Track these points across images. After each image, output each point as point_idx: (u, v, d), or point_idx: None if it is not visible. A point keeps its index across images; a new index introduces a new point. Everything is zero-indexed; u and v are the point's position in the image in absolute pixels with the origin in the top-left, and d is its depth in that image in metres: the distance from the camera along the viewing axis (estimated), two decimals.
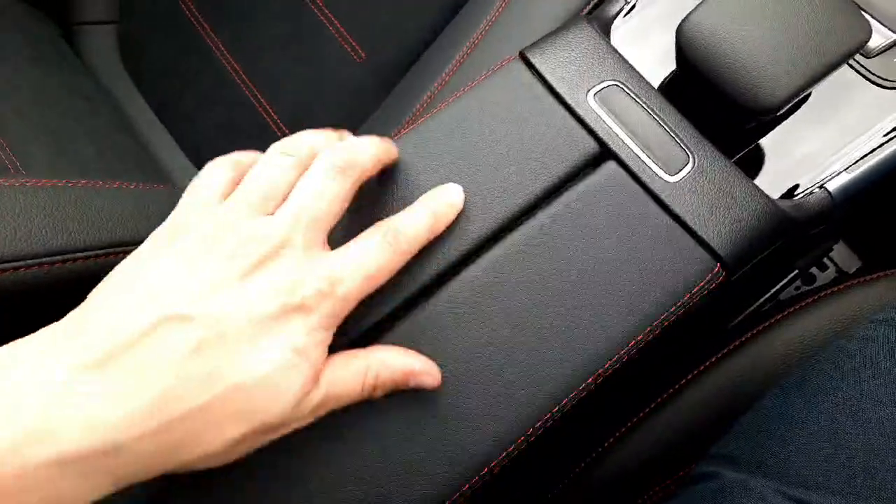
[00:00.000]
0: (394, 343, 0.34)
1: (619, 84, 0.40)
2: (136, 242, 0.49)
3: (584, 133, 0.38)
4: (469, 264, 0.36)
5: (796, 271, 0.73)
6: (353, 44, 0.69)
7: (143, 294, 0.28)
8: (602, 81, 0.40)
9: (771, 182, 0.44)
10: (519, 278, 0.36)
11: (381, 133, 0.61)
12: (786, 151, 0.45)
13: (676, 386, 0.48)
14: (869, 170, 0.44)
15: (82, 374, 0.26)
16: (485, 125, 0.39)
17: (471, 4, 0.64)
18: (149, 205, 0.53)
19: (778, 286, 0.74)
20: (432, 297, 0.36)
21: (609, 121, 0.38)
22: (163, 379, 0.27)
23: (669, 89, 0.45)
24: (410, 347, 0.34)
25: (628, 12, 0.47)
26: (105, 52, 0.80)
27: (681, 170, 0.38)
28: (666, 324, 0.36)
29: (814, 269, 0.76)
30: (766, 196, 0.39)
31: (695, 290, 0.36)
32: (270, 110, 0.72)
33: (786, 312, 0.49)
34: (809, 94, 0.45)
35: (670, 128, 0.39)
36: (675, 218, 0.36)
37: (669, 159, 0.38)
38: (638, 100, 0.39)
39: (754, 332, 0.48)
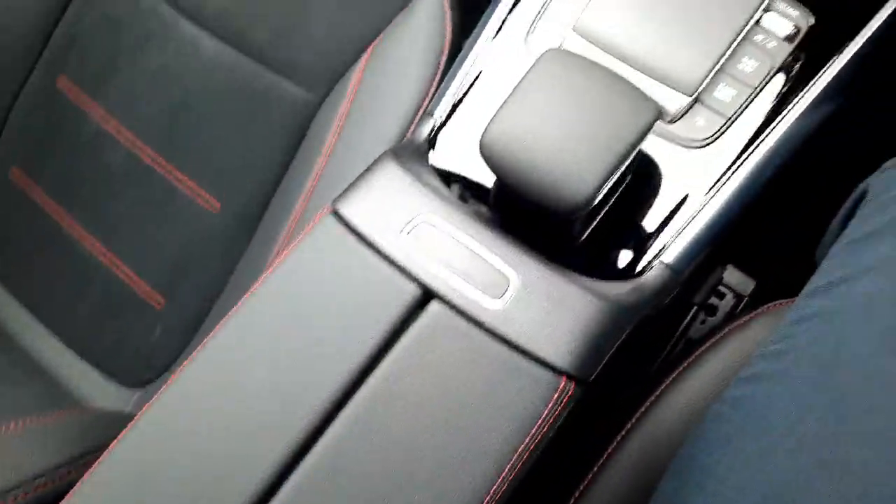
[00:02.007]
0: None
1: (430, 217, 0.40)
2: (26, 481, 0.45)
3: (402, 279, 0.37)
4: (314, 444, 0.35)
5: (695, 307, 0.74)
6: (206, 196, 0.68)
7: None
8: (413, 218, 0.39)
9: (609, 266, 0.44)
10: (367, 448, 0.34)
11: (248, 285, 0.60)
12: (619, 232, 0.45)
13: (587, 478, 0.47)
14: (701, 231, 0.45)
15: None
16: (306, 293, 0.38)
17: (309, 137, 0.64)
18: (42, 439, 0.49)
19: (683, 325, 0.74)
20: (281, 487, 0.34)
21: (425, 259, 0.38)
22: None
23: (498, 196, 0.45)
24: None
25: (439, 130, 0.48)
26: None
27: (505, 292, 0.37)
28: (532, 446, 0.35)
29: (713, 299, 0.77)
30: (599, 294, 0.38)
31: (545, 412, 0.35)
32: (142, 282, 0.70)
33: (668, 380, 0.49)
34: (630, 172, 0.46)
35: (488, 250, 0.39)
36: (509, 344, 0.36)
37: (491, 284, 0.37)
38: (451, 229, 0.39)
39: (643, 410, 0.47)
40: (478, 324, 0.36)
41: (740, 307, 0.76)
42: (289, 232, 0.59)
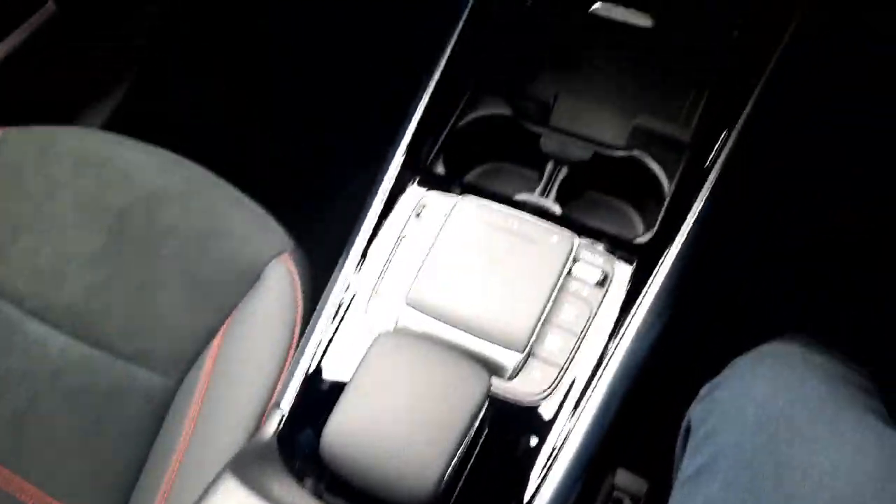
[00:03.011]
0: None
1: None
2: None
3: None
4: None
5: None
6: None
7: None
8: None
9: None
10: None
11: None
12: (483, 496, 0.44)
13: None
14: (563, 477, 0.45)
15: None
16: None
17: (165, 427, 0.62)
18: None
19: None
20: None
21: None
22: None
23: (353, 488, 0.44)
24: None
25: (289, 421, 0.47)
26: None
27: None
28: None
29: None
30: None
31: None
32: None
33: None
34: (483, 433, 0.46)
35: None
36: None
37: None
38: None
39: None
40: None
41: None
42: None
